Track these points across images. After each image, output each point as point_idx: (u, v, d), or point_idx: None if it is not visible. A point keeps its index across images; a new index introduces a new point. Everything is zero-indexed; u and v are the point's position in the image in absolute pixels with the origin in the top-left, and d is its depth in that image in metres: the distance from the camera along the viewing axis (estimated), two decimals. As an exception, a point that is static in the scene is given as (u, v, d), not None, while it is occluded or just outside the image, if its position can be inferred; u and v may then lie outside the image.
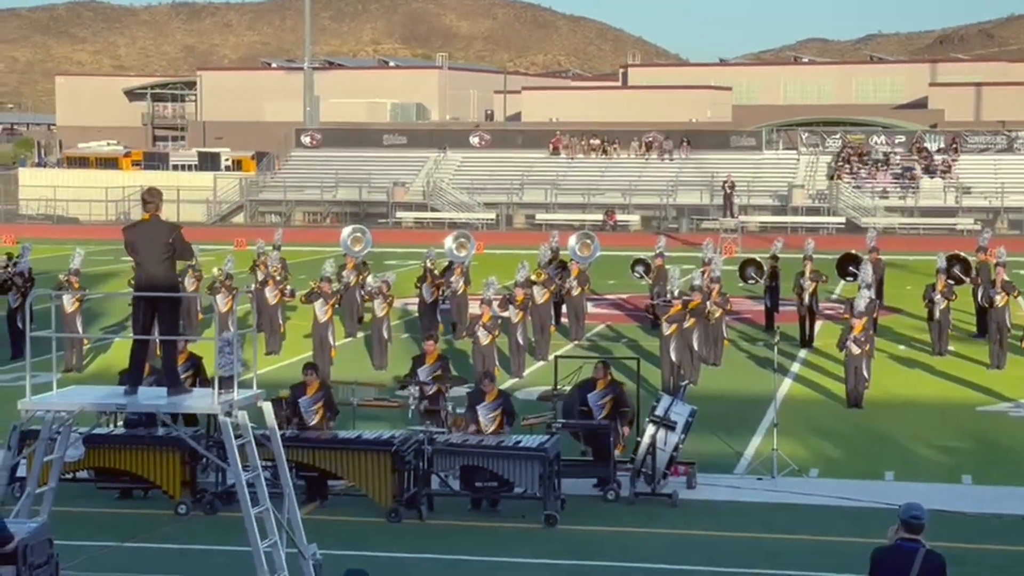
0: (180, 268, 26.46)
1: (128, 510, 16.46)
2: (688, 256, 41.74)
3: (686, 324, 23.91)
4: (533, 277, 28.40)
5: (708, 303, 25.52)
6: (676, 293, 25.04)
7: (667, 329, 23.60)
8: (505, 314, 25.45)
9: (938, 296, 27.44)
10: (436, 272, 29.72)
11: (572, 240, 32.30)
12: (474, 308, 27.87)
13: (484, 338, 23.45)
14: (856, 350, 22.37)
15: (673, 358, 23.37)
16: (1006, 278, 26.87)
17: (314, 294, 25.80)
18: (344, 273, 30.22)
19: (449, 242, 31.57)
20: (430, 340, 20.11)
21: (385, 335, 26.44)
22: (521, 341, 25.70)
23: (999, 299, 26.28)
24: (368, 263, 32.83)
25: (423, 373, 19.02)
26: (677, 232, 60.15)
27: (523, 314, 25.93)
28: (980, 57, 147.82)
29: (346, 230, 33.73)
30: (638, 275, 32.31)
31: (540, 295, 27.78)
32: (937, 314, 27.54)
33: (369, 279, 28.87)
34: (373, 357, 26.60)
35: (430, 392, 18.40)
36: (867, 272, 27.73)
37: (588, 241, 32.19)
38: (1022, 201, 62.59)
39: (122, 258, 13.38)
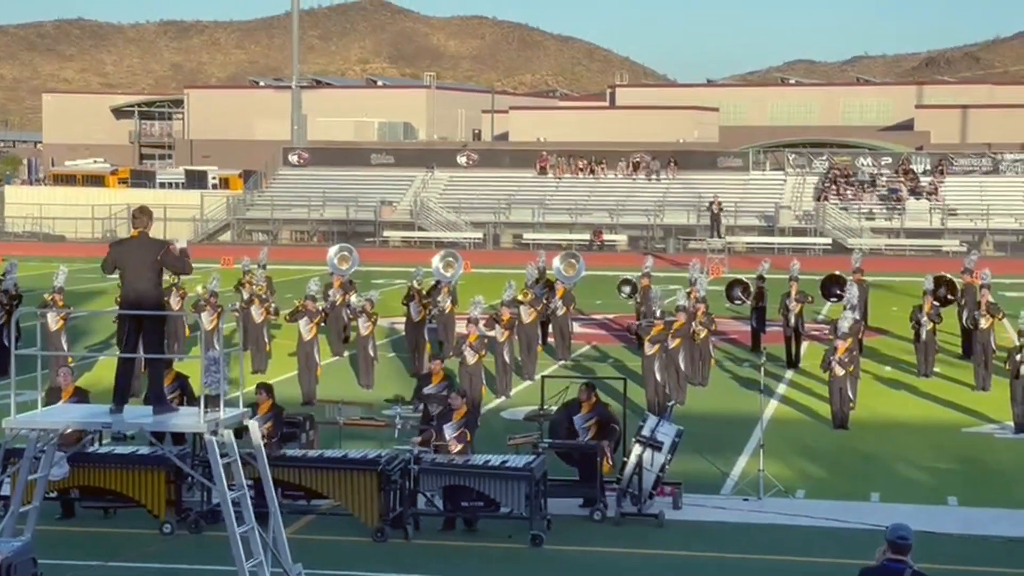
0: (168, 283, 26.40)
1: (113, 529, 16.38)
2: (675, 276, 41.75)
3: (671, 344, 23.93)
4: (520, 296, 28.41)
5: (694, 323, 25.56)
6: (660, 313, 25.07)
7: (649, 349, 23.62)
8: (492, 333, 25.44)
9: (925, 318, 27.51)
10: (423, 291, 29.69)
11: (556, 260, 32.31)
12: (461, 327, 27.85)
13: (471, 357, 23.42)
14: (840, 371, 22.41)
15: (657, 378, 23.36)
16: (991, 300, 26.97)
17: (298, 312, 25.77)
18: (331, 292, 30.18)
19: (436, 261, 31.55)
20: (437, 360, 20.32)
21: (371, 354, 26.44)
22: (508, 360, 25.71)
23: (984, 321, 26.37)
24: (355, 282, 32.80)
25: (429, 393, 19.09)
26: (664, 252, 60.24)
27: (509, 333, 25.94)
28: (966, 80, 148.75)
29: (333, 249, 33.70)
30: (625, 295, 32.34)
31: (527, 314, 27.78)
32: (923, 335, 27.62)
33: (352, 298, 28.82)
34: (359, 376, 26.57)
35: (435, 412, 18.29)
36: (852, 293, 27.81)
37: (573, 261, 32.21)
38: (1007, 223, 62.88)
39: (108, 276, 13.32)
